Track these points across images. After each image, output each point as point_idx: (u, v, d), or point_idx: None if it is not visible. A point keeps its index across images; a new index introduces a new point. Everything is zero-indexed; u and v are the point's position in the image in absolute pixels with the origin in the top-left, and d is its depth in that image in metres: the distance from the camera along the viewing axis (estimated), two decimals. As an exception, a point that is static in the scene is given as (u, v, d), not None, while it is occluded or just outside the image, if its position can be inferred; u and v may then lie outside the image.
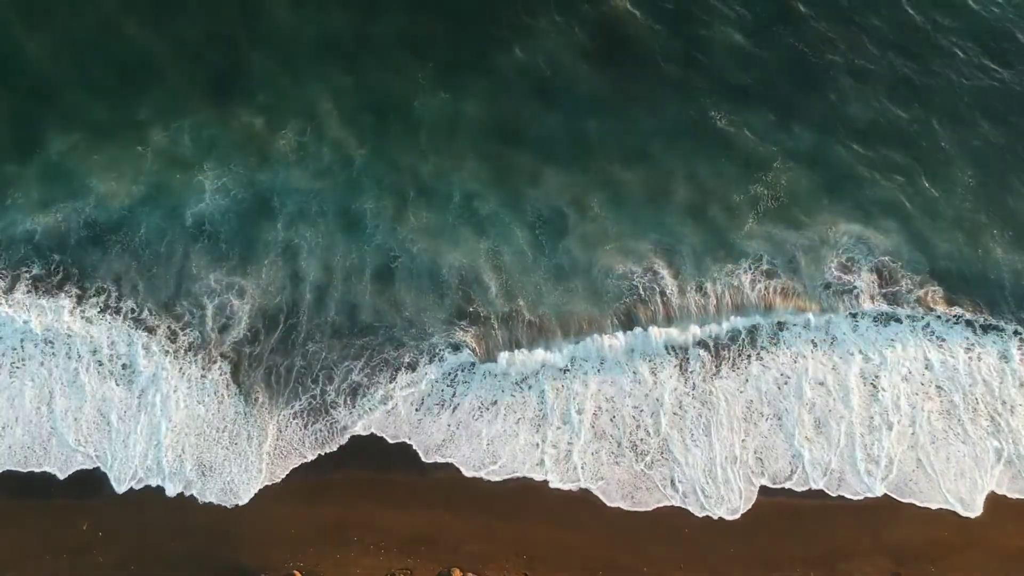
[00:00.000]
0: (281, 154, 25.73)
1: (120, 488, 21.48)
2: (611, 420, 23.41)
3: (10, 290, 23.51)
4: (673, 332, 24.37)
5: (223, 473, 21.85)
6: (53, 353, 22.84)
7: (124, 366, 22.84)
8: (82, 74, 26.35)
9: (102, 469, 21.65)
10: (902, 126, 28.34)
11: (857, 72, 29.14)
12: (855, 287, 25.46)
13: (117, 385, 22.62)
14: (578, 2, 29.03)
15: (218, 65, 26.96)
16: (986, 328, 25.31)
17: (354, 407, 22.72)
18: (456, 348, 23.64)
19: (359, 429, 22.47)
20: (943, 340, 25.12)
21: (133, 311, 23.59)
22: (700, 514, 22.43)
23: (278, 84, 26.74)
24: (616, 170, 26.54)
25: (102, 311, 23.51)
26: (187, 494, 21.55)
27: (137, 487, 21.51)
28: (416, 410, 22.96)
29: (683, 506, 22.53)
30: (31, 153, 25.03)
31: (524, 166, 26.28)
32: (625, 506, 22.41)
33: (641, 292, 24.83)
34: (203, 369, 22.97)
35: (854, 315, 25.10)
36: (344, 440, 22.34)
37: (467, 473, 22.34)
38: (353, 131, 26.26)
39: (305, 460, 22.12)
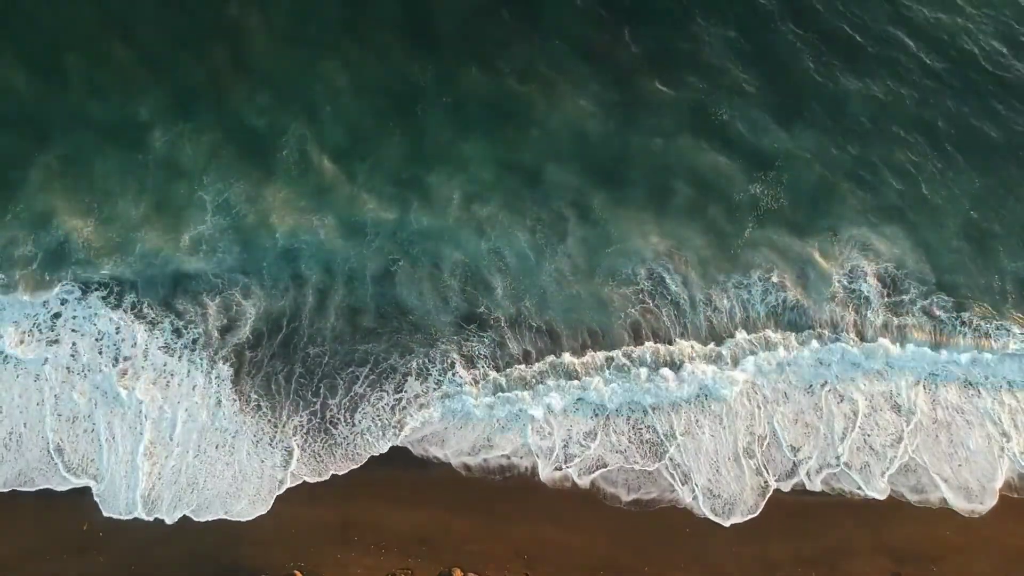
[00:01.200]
0: (283, 165, 25.69)
1: (127, 517, 21.22)
2: (617, 409, 23.51)
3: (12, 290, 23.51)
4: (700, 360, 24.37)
5: (236, 499, 21.69)
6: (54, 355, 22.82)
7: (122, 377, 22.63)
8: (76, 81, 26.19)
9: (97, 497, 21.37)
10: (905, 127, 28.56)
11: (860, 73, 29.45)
12: (864, 296, 25.44)
13: (113, 402, 22.34)
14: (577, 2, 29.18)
15: (218, 74, 26.87)
16: (991, 333, 25.40)
17: (354, 425, 22.54)
18: (470, 361, 23.58)
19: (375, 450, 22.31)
20: (949, 345, 25.21)
21: (133, 306, 23.44)
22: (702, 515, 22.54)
23: (276, 93, 26.65)
24: (618, 171, 26.65)
25: (102, 308, 23.46)
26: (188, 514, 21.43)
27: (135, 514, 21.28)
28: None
29: (691, 503, 22.52)
30: (29, 164, 24.81)
31: (525, 169, 26.37)
32: (625, 496, 22.49)
33: (648, 304, 24.78)
34: (206, 377, 22.87)
35: (861, 328, 25.20)
36: (355, 466, 22.13)
37: (455, 461, 22.38)
38: (355, 138, 26.34)
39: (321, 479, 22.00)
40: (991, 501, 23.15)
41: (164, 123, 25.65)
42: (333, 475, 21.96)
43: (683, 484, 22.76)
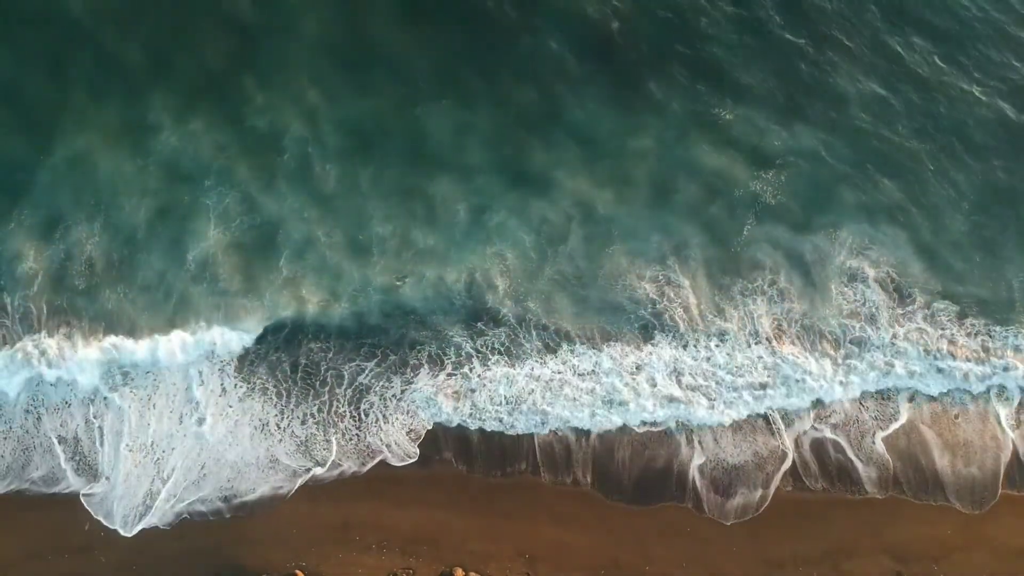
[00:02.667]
0: (284, 170, 25.65)
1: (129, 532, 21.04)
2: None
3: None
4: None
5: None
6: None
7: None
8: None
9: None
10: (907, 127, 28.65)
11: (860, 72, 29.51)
12: (868, 301, 25.48)
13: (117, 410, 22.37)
14: (579, 1, 29.26)
15: (215, 82, 26.68)
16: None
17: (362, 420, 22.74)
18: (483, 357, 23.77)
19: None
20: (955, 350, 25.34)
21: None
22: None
23: (275, 99, 26.60)
24: (622, 172, 26.73)
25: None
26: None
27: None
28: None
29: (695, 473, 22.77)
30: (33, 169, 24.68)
31: (528, 170, 26.45)
32: (628, 467, 22.70)
33: (656, 307, 24.85)
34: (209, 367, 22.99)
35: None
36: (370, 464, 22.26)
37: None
38: (355, 142, 26.38)
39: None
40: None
41: (168, 127, 25.67)
42: (335, 475, 22.06)
43: (688, 444, 23.02)
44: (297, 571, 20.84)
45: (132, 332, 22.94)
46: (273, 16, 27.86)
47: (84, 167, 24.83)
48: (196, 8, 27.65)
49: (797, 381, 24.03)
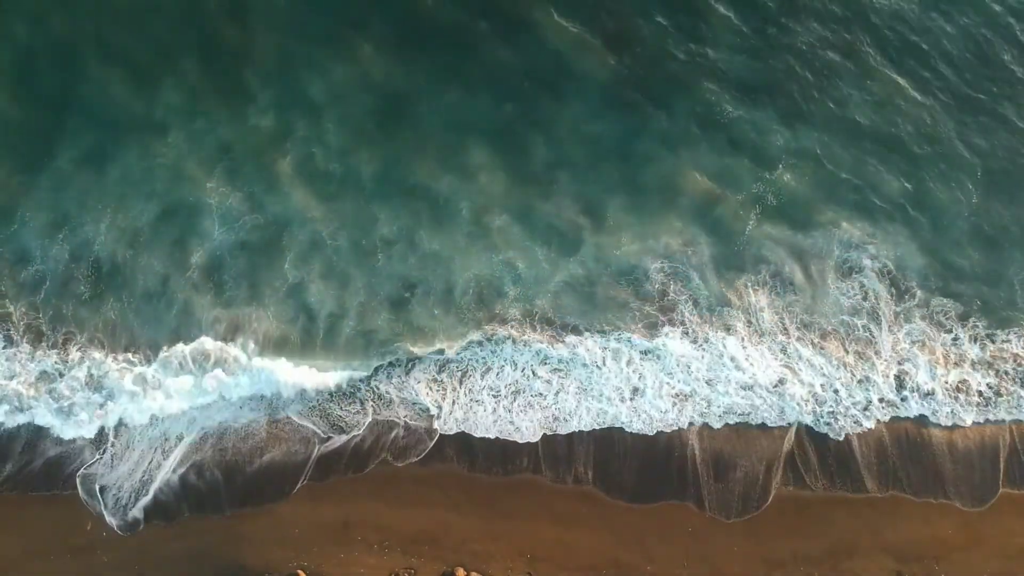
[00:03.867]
0: (287, 173, 25.58)
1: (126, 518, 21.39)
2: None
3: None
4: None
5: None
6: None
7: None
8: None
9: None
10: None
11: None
12: (867, 297, 25.54)
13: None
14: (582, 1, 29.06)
15: (217, 86, 26.57)
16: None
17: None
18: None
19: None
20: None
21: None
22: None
23: (276, 101, 26.47)
24: (625, 172, 26.67)
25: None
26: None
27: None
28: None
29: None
30: (37, 174, 24.68)
31: (531, 171, 26.36)
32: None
33: (663, 302, 24.99)
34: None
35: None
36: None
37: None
38: (359, 141, 26.30)
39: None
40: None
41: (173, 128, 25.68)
42: (336, 475, 22.11)
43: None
44: (298, 571, 20.89)
45: (133, 344, 23.32)
46: (273, 19, 28.05)
47: (86, 171, 24.89)
48: (197, 11, 27.72)
49: (798, 403, 24.07)
